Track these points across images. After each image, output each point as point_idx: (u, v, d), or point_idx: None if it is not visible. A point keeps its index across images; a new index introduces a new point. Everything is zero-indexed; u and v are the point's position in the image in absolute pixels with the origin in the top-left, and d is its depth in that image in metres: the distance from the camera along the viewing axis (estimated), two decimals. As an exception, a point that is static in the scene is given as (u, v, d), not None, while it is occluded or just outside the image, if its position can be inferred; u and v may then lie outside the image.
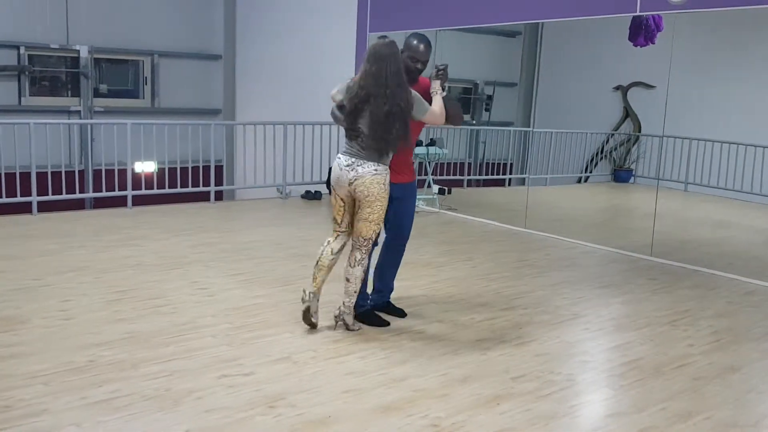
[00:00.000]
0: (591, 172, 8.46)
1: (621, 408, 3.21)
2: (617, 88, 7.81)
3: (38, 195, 7.08)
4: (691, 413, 3.13)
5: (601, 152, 8.28)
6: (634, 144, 7.93)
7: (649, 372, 3.58)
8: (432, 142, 8.54)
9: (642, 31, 6.54)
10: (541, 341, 3.96)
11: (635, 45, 6.59)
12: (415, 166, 8.75)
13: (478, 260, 5.88)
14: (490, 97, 9.55)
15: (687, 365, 3.70)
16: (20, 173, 7.03)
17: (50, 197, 7.31)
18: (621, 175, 8.16)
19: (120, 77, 11.12)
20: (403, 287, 4.91)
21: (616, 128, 8.02)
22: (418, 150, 8.39)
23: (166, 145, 8.03)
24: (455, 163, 9.38)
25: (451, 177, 9.23)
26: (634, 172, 7.99)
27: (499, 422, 2.97)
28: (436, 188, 8.57)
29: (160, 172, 8.15)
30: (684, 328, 4.31)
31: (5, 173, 6.97)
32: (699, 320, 4.47)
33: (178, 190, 8.21)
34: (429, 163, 8.61)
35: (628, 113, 7.84)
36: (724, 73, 7.06)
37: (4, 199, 7.02)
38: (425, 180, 8.73)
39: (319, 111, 9.48)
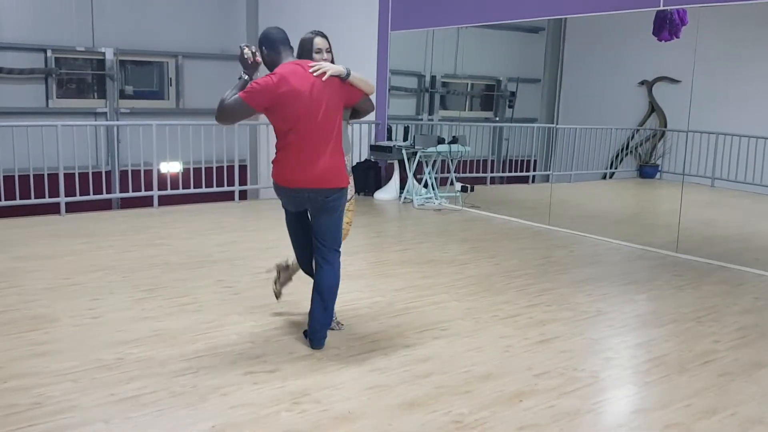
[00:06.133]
0: (616, 168, 8.38)
1: (645, 404, 3.18)
2: (642, 83, 7.72)
3: (66, 196, 7.22)
4: (717, 409, 3.10)
5: (627, 148, 8.20)
6: (659, 139, 7.83)
7: (674, 368, 3.55)
8: (454, 140, 8.53)
9: (666, 26, 6.46)
10: (564, 338, 3.94)
11: (659, 39, 6.52)
12: (438, 163, 8.84)
13: (502, 257, 5.86)
14: (513, 94, 9.50)
15: (712, 362, 3.66)
16: (48, 174, 7.17)
17: (78, 198, 7.45)
18: (647, 171, 8.07)
19: (145, 79, 11.26)
20: (426, 284, 4.94)
21: (642, 124, 7.93)
22: (441, 148, 8.40)
23: (191, 146, 8.12)
24: (478, 161, 9.36)
25: (474, 174, 9.21)
26: (660, 168, 7.90)
27: (522, 418, 2.97)
28: (458, 186, 8.56)
29: (185, 172, 8.24)
30: (709, 324, 4.26)
31: (34, 175, 7.12)
32: (725, 316, 4.42)
33: (203, 189, 8.30)
34: (451, 160, 8.60)
35: (653, 108, 7.75)
36: (750, 67, 6.94)
37: (33, 200, 7.17)
38: (448, 177, 8.73)
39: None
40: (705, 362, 3.64)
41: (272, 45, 3.58)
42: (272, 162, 3.62)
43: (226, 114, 3.48)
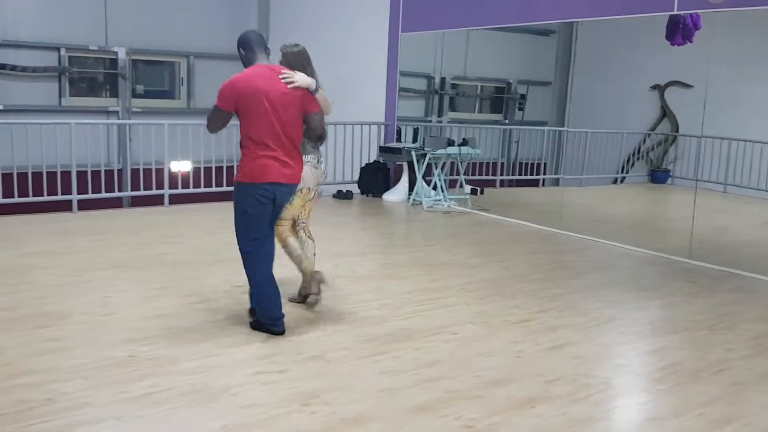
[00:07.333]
0: (627, 172, 8.34)
1: (658, 413, 3.16)
2: (654, 87, 7.69)
3: (78, 193, 7.25)
4: (731, 419, 3.08)
5: (638, 152, 8.17)
6: (671, 144, 7.79)
7: (687, 377, 3.52)
8: (464, 142, 8.51)
9: (680, 30, 6.43)
10: (576, 344, 3.92)
11: (673, 44, 6.49)
12: (447, 165, 8.83)
13: (512, 261, 5.84)
14: (523, 97, 9.49)
15: (726, 370, 3.63)
16: (61, 172, 7.20)
17: (90, 195, 7.48)
18: (658, 175, 8.03)
19: (156, 78, 11.30)
20: (436, 287, 4.92)
21: (653, 128, 7.90)
22: (451, 150, 8.39)
23: (201, 145, 8.13)
24: (487, 163, 9.34)
25: (484, 177, 9.19)
26: (671, 173, 7.86)
27: (534, 425, 2.95)
28: (468, 188, 8.55)
29: (196, 171, 8.26)
30: (723, 332, 4.23)
31: (47, 172, 7.15)
32: (738, 324, 4.38)
33: (213, 189, 8.32)
34: (461, 162, 8.59)
35: (665, 113, 7.71)
36: (764, 72, 6.90)
37: (46, 197, 7.19)
38: (457, 180, 8.71)
39: (351, 111, 9.54)
40: (719, 371, 3.62)
41: (248, 46, 3.83)
42: (242, 163, 3.75)
43: (209, 122, 3.82)
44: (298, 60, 4.07)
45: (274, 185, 3.72)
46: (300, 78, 3.78)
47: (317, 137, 4.01)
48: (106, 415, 2.89)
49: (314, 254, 4.45)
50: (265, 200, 3.74)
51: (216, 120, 3.77)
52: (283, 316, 3.88)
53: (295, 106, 3.76)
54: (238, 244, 3.85)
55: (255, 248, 3.83)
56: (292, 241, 4.35)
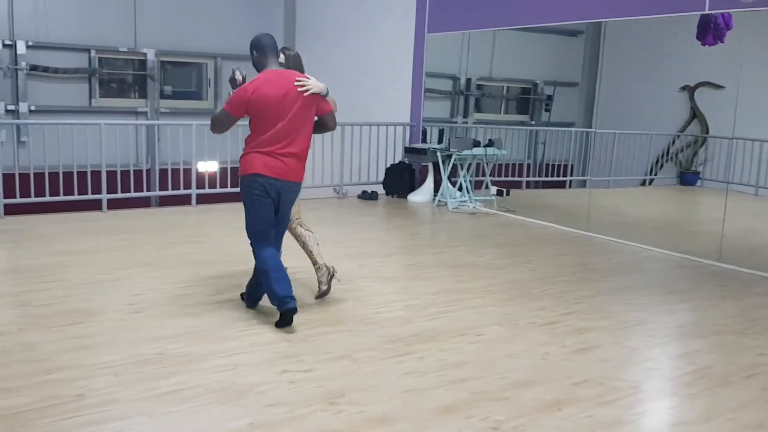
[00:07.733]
0: (656, 174, 8.23)
1: (688, 417, 3.11)
2: (684, 88, 7.57)
3: (108, 193, 7.37)
4: (763, 424, 3.02)
5: (667, 154, 8.05)
6: (701, 146, 7.67)
7: (717, 381, 3.47)
8: (490, 143, 8.48)
9: (711, 30, 6.32)
10: (603, 347, 3.88)
11: (704, 44, 6.38)
12: (473, 167, 8.81)
13: (538, 263, 5.80)
14: (550, 97, 9.41)
15: (757, 375, 3.56)
16: (91, 172, 7.32)
17: (119, 195, 7.59)
18: (687, 177, 7.91)
19: (184, 79, 11.42)
20: (461, 288, 4.91)
21: (683, 129, 7.78)
22: (477, 151, 8.36)
23: (228, 145, 8.20)
24: (514, 164, 9.29)
25: (510, 178, 9.13)
26: (701, 175, 7.74)
27: (560, 427, 2.93)
28: (494, 189, 8.51)
29: (223, 171, 8.34)
30: (754, 336, 4.15)
31: (77, 171, 7.27)
32: (771, 329, 4.31)
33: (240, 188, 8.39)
34: (487, 164, 8.55)
35: (695, 114, 7.60)
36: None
37: (77, 197, 7.32)
38: (483, 181, 8.68)
39: (376, 111, 9.57)
40: (750, 375, 3.55)
41: (262, 50, 4.02)
42: (243, 157, 4.02)
43: (216, 124, 4.06)
44: (295, 62, 4.32)
45: (259, 176, 3.92)
46: (314, 84, 3.98)
47: (326, 131, 4.31)
48: (134, 411, 2.93)
49: (318, 244, 4.54)
50: (257, 193, 3.95)
51: (222, 122, 4.01)
52: (290, 295, 3.92)
53: (305, 110, 3.96)
54: (246, 233, 4.10)
55: (258, 238, 4.05)
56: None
